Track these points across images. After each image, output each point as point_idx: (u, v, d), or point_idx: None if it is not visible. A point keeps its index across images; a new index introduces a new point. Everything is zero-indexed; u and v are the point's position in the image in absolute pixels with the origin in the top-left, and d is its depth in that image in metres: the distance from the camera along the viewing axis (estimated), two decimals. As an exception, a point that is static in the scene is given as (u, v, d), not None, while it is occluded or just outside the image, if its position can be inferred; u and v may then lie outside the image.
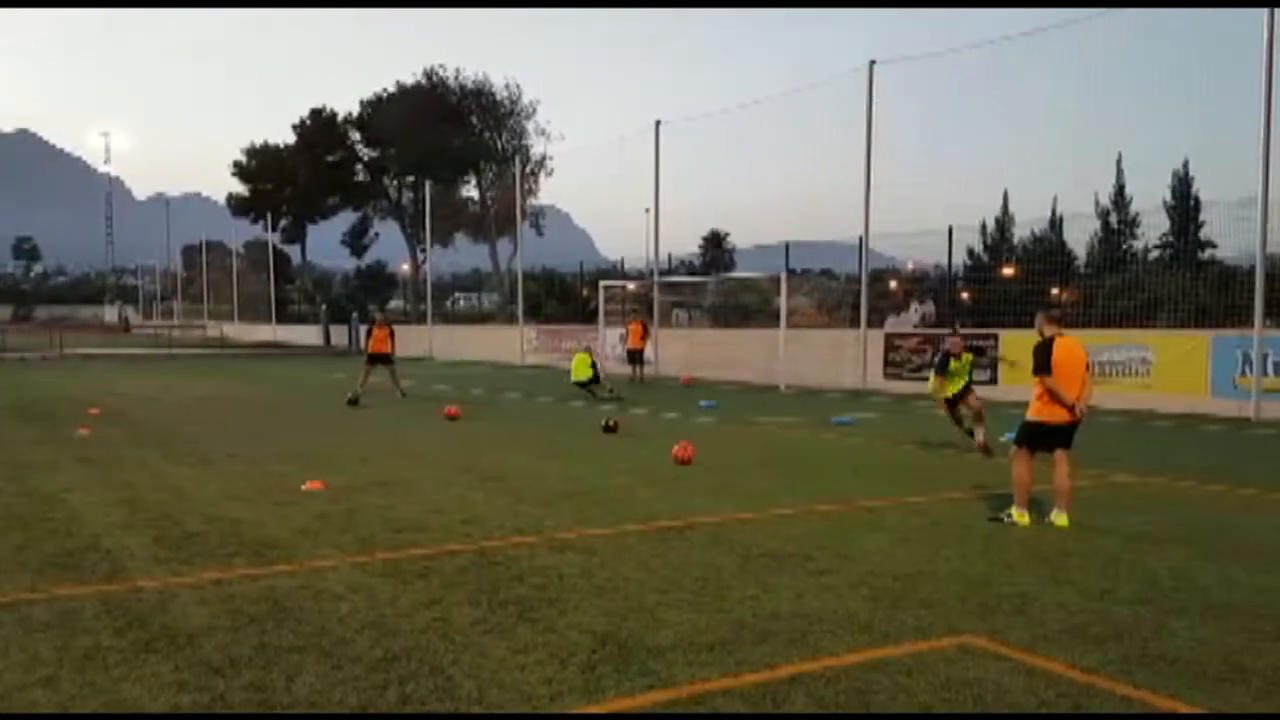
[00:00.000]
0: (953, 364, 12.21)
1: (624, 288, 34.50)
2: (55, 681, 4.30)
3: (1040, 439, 7.93)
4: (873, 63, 22.78)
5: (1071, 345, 7.85)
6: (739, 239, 53.63)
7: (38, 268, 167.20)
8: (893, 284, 33.45)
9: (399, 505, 8.46)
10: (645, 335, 27.02)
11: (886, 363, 22.90)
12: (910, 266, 36.08)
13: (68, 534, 7.28)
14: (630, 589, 5.84)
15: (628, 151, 32.08)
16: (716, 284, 34.07)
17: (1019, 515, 7.80)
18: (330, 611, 5.36)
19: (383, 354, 20.30)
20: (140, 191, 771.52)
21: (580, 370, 20.65)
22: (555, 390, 22.36)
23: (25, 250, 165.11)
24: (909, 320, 29.29)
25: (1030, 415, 7.94)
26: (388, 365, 20.29)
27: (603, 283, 32.47)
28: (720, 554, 6.75)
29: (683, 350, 28.35)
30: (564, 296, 44.14)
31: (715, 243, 51.84)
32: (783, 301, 24.17)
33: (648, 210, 31.26)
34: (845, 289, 29.53)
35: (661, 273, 30.99)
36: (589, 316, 34.05)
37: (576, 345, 23.73)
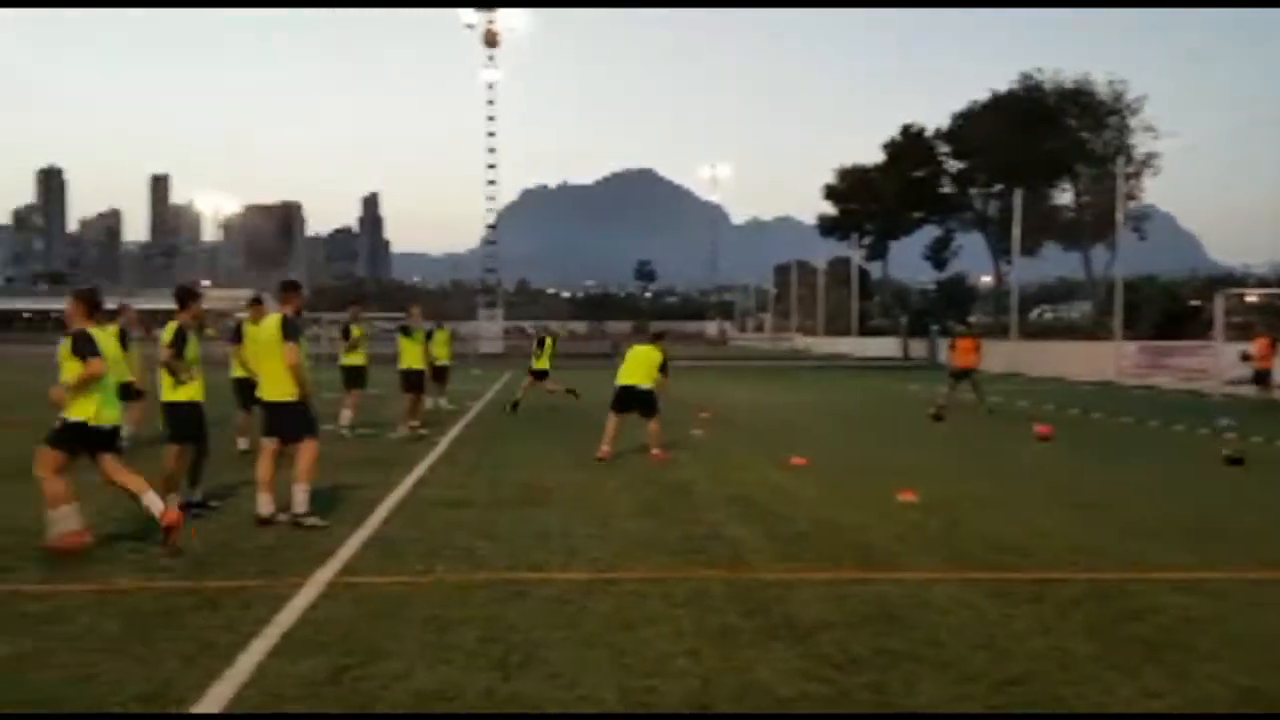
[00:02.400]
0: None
1: (1242, 297, 30.07)
2: (697, 654, 4.83)
3: None
4: None
5: None
6: None
7: (652, 288, 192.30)
8: None
9: (996, 524, 8.23)
10: (1274, 351, 23.28)
11: None
12: None
13: (693, 522, 8.18)
14: (1277, 644, 5.04)
15: (1258, 142, 28.02)
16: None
17: None
18: (940, 624, 5.37)
19: (967, 368, 19.94)
20: (737, 217, 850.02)
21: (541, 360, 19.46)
22: (1160, 413, 20.18)
23: (644, 273, 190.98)
24: None
25: None
26: (970, 379, 19.89)
27: (1222, 291, 28.62)
28: (1407, 620, 5.53)
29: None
30: (1168, 307, 39.74)
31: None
32: None
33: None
34: None
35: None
36: (1200, 330, 30.24)
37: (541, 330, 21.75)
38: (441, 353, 19.06)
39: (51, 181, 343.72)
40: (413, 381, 15.11)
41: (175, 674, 4.51)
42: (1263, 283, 32.90)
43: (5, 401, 20.91)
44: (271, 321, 8.11)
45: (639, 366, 12.58)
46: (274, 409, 8.04)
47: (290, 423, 8.00)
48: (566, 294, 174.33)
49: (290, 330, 7.97)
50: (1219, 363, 26.61)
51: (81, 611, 5.46)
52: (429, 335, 18.21)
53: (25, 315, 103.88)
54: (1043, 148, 56.73)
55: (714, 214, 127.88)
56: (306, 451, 7.95)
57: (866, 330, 65.68)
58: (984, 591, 6.07)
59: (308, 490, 7.85)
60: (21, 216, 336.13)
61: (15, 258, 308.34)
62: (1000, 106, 60.77)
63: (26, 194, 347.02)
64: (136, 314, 13.03)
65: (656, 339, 13.21)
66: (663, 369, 12.59)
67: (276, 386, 7.98)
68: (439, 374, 19.02)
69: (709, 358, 52.96)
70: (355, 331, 15.24)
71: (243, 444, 12.04)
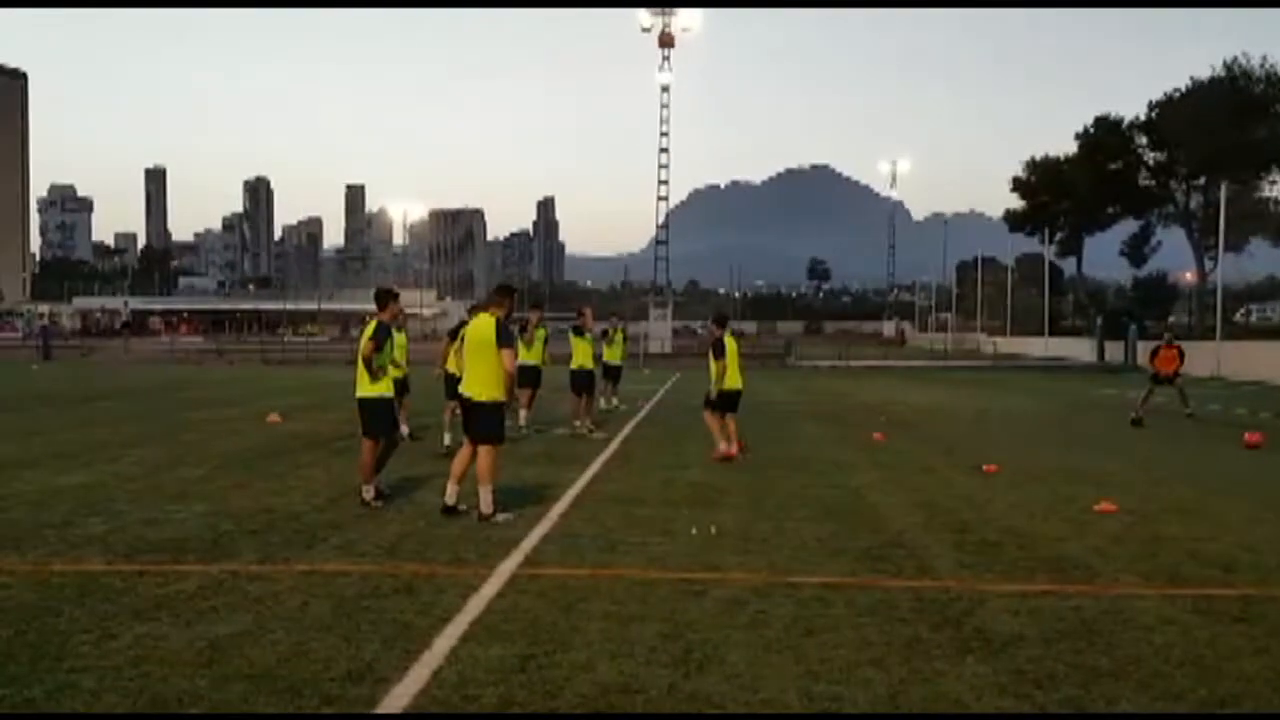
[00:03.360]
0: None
1: None
2: (883, 664, 4.71)
3: None
4: None
5: None
6: None
7: (826, 287, 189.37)
8: None
9: (1201, 537, 7.71)
10: None
11: None
12: None
13: (874, 529, 7.97)
14: None
15: None
16: None
17: None
18: (1142, 641, 5.08)
19: (1168, 373, 18.68)
20: (918, 212, 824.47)
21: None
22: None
23: (818, 272, 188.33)
24: None
25: None
26: (1173, 383, 18.62)
27: None
28: None
29: None
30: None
31: None
32: None
33: None
34: None
35: None
36: None
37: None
38: (615, 353, 19.31)
39: (259, 191, 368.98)
40: (583, 381, 15.38)
41: (378, 654, 4.77)
42: None
43: (226, 398, 22.62)
44: (486, 324, 8.17)
45: (739, 364, 12.28)
46: (473, 408, 8.15)
47: (483, 423, 8.12)
48: (737, 294, 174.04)
49: (505, 335, 8.08)
50: None
51: (293, 592, 5.85)
52: (603, 335, 18.48)
53: (237, 315, 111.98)
54: (1250, 137, 52.71)
55: (894, 210, 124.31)
56: (489, 454, 8.07)
57: (1058, 330, 62.45)
58: (1188, 608, 5.70)
59: (490, 490, 8.05)
60: (231, 224, 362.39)
61: (227, 263, 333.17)
62: (1203, 94, 56.87)
63: (236, 203, 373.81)
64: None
65: (720, 323, 12.73)
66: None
67: (479, 386, 8.10)
68: (611, 373, 19.30)
69: (886, 358, 51.65)
70: (539, 332, 15.60)
71: (447, 438, 12.60)
